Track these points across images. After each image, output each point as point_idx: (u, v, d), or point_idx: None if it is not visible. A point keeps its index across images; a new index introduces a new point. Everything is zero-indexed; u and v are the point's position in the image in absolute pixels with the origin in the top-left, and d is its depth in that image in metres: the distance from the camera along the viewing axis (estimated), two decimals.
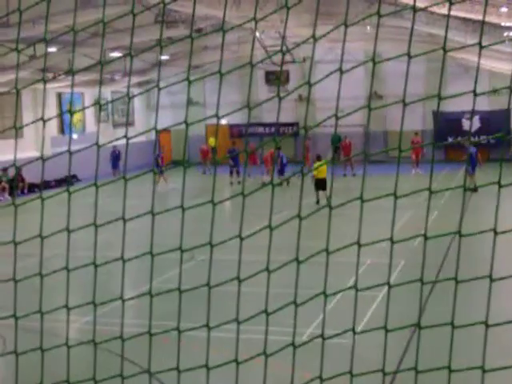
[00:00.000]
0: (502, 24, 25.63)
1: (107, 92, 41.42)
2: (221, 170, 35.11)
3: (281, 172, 34.03)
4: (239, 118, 42.98)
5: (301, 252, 3.65)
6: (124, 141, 4.13)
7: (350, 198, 3.92)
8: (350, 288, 3.73)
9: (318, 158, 29.39)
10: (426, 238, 3.64)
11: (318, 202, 26.85)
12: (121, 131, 42.35)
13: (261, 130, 43.85)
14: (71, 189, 4.05)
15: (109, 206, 10.93)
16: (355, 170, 36.52)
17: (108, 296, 4.26)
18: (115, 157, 40.32)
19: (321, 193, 26.71)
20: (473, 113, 36.31)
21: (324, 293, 3.70)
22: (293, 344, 3.64)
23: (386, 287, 3.74)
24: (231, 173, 35.58)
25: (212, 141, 42.60)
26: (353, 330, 3.79)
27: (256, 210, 10.26)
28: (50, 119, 3.88)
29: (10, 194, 33.52)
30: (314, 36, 3.14)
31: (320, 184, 26.61)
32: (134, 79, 40.98)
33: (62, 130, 38.85)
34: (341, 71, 3.37)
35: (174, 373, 4.30)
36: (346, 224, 11.88)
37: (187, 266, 15.90)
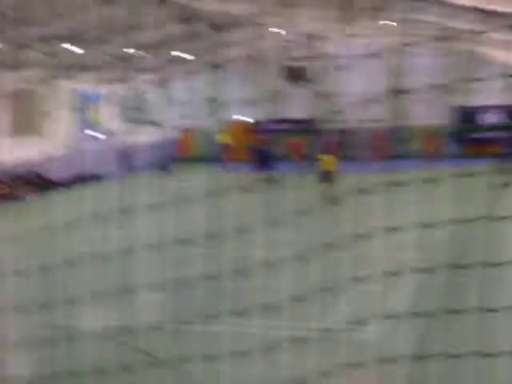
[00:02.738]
0: None
1: (123, 89, 41.34)
2: (246, 166, 34.02)
3: (266, 166, 32.28)
4: (259, 115, 42.75)
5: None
6: (139, 138, 4.14)
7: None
8: (379, 280, 3.71)
9: (325, 152, 29.42)
10: (454, 228, 3.62)
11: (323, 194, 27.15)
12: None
13: (285, 126, 42.79)
14: (98, 186, 4.07)
15: (126, 202, 10.96)
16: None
17: (122, 290, 4.27)
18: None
19: (326, 185, 26.60)
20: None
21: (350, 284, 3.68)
22: (315, 334, 3.62)
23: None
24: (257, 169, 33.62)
25: (222, 137, 41.99)
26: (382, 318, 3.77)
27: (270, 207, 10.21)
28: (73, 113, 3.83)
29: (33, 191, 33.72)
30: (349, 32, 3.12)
31: (325, 176, 26.73)
32: (150, 76, 40.94)
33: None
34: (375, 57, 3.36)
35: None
36: (369, 218, 11.86)
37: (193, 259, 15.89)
